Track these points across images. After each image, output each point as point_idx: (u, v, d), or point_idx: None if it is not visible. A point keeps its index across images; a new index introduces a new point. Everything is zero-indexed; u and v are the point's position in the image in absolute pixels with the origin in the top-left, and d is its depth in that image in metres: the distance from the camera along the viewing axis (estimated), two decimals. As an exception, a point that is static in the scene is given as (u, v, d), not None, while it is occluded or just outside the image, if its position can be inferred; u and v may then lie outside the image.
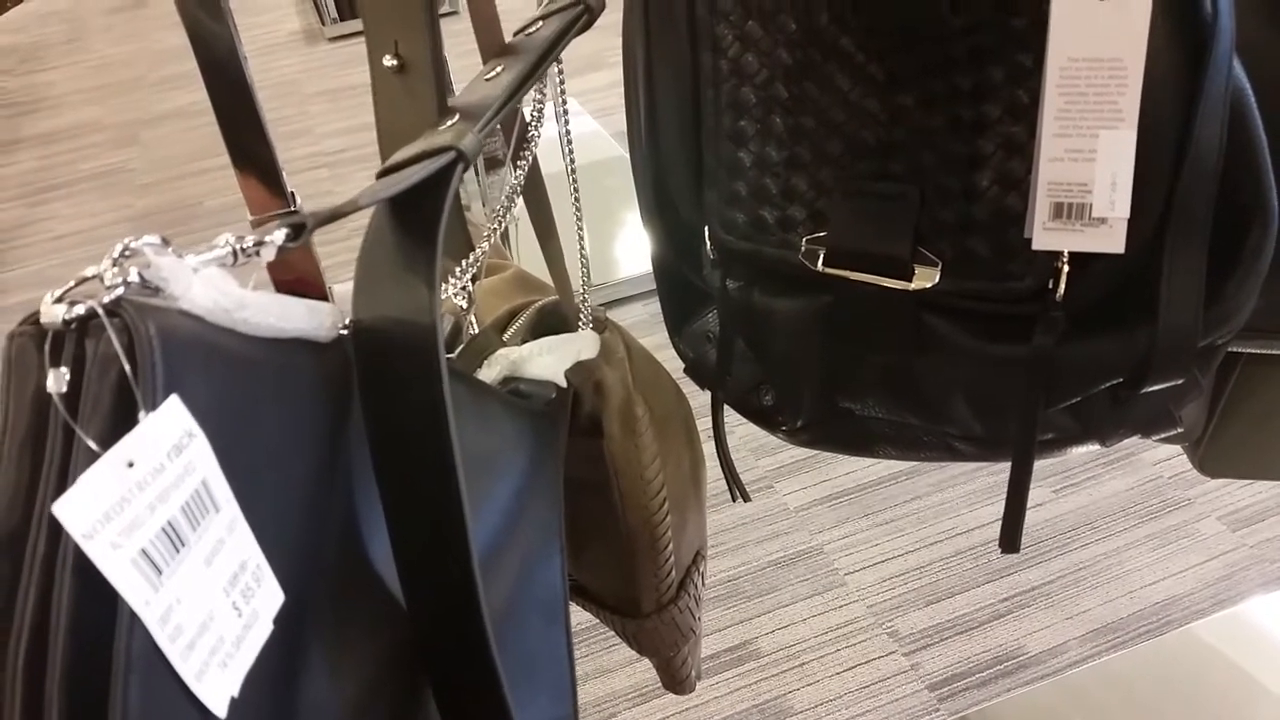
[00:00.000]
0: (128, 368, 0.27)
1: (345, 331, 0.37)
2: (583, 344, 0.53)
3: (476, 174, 1.97)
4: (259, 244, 0.33)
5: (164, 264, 0.30)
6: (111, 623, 0.27)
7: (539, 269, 0.65)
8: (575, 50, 0.54)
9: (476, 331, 0.53)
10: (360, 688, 0.37)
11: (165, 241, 0.31)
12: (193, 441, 0.29)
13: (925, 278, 0.49)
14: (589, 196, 1.83)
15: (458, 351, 0.51)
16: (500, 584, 0.45)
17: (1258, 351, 0.60)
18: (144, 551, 0.27)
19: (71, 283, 0.29)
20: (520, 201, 0.60)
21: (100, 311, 0.27)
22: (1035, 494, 1.46)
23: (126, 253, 0.29)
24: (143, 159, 2.77)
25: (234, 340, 0.32)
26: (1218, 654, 1.25)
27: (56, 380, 0.27)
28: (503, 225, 0.56)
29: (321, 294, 0.76)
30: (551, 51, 0.51)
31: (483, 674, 0.38)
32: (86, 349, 0.28)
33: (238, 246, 0.32)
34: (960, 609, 1.35)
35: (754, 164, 0.52)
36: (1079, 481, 1.49)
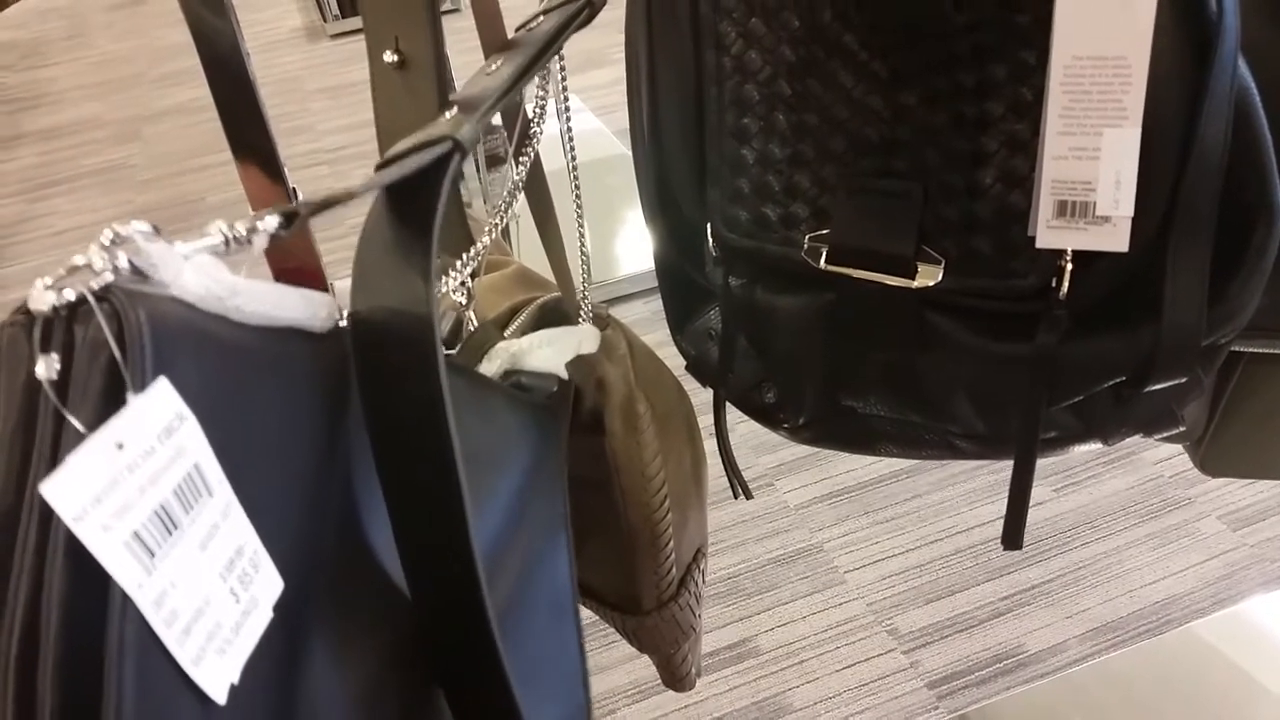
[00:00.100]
0: (116, 351, 0.27)
1: (343, 323, 0.37)
2: (583, 337, 0.53)
3: (478, 171, 1.97)
4: (251, 231, 0.33)
5: (153, 250, 0.30)
6: (104, 608, 0.27)
7: (539, 265, 0.65)
8: (577, 47, 0.54)
9: (476, 327, 0.53)
10: (367, 679, 0.37)
11: (155, 229, 0.31)
12: (184, 424, 0.29)
13: (928, 276, 0.49)
14: (590, 194, 1.83)
15: (458, 346, 0.51)
16: (506, 578, 0.45)
17: (1260, 351, 0.60)
18: (136, 534, 0.27)
19: (62, 271, 0.29)
20: (522, 198, 0.60)
21: (89, 296, 0.28)
22: (1036, 492, 1.46)
23: (116, 239, 0.29)
24: (144, 155, 2.77)
25: (226, 327, 0.32)
26: (1218, 653, 1.25)
27: (46, 366, 0.27)
28: (504, 221, 0.56)
29: (321, 286, 0.76)
30: (552, 44, 0.51)
31: (489, 670, 0.38)
32: (76, 335, 0.28)
33: (230, 234, 0.32)
34: (960, 607, 1.35)
35: (757, 161, 0.52)
36: (1079, 480, 1.49)
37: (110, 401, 0.27)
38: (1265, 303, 0.49)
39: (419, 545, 0.37)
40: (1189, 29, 0.44)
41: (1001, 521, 1.43)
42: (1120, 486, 1.48)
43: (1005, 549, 0.53)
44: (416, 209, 0.38)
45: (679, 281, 0.60)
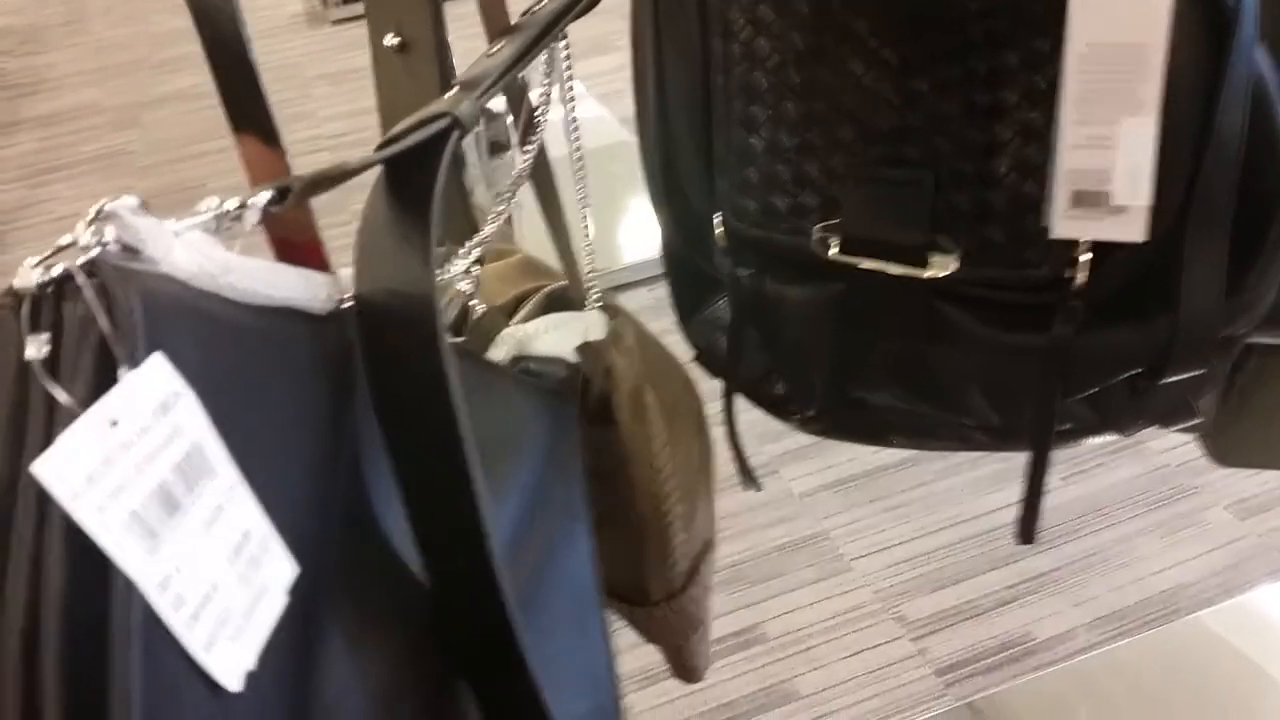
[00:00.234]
0: (106, 327, 0.26)
1: (345, 305, 0.36)
2: (589, 322, 0.53)
3: (480, 158, 1.96)
4: (243, 206, 0.33)
5: (141, 226, 0.29)
6: (107, 594, 0.26)
7: (542, 254, 0.65)
8: (581, 33, 0.53)
9: (482, 314, 0.52)
10: (386, 670, 0.36)
11: (143, 203, 0.30)
12: (180, 401, 0.28)
13: (940, 266, 0.48)
14: (592, 181, 1.82)
15: (465, 333, 0.51)
16: (525, 567, 0.44)
17: (1273, 342, 0.59)
18: (135, 514, 0.26)
19: (49, 251, 0.28)
20: (526, 186, 0.60)
21: (76, 272, 0.27)
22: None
23: (102, 215, 0.29)
24: (143, 141, 2.76)
25: (220, 305, 0.31)
26: (1225, 643, 1.25)
27: (35, 346, 0.27)
28: (509, 209, 0.55)
29: (324, 267, 0.75)
30: (554, 26, 0.50)
31: (511, 660, 0.37)
32: (65, 313, 0.27)
33: (221, 210, 0.32)
34: (967, 595, 1.34)
35: (765, 150, 0.51)
36: (1087, 469, 1.48)
37: (103, 379, 0.26)
38: (1281, 295, 0.48)
39: (432, 529, 0.36)
40: (1206, 16, 0.44)
41: (1009, 509, 1.43)
42: (1128, 475, 1.47)
43: (1019, 543, 0.52)
44: (415, 187, 0.37)
45: (687, 271, 0.60)
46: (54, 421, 0.26)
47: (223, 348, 0.31)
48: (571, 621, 0.47)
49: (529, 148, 0.54)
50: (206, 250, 0.31)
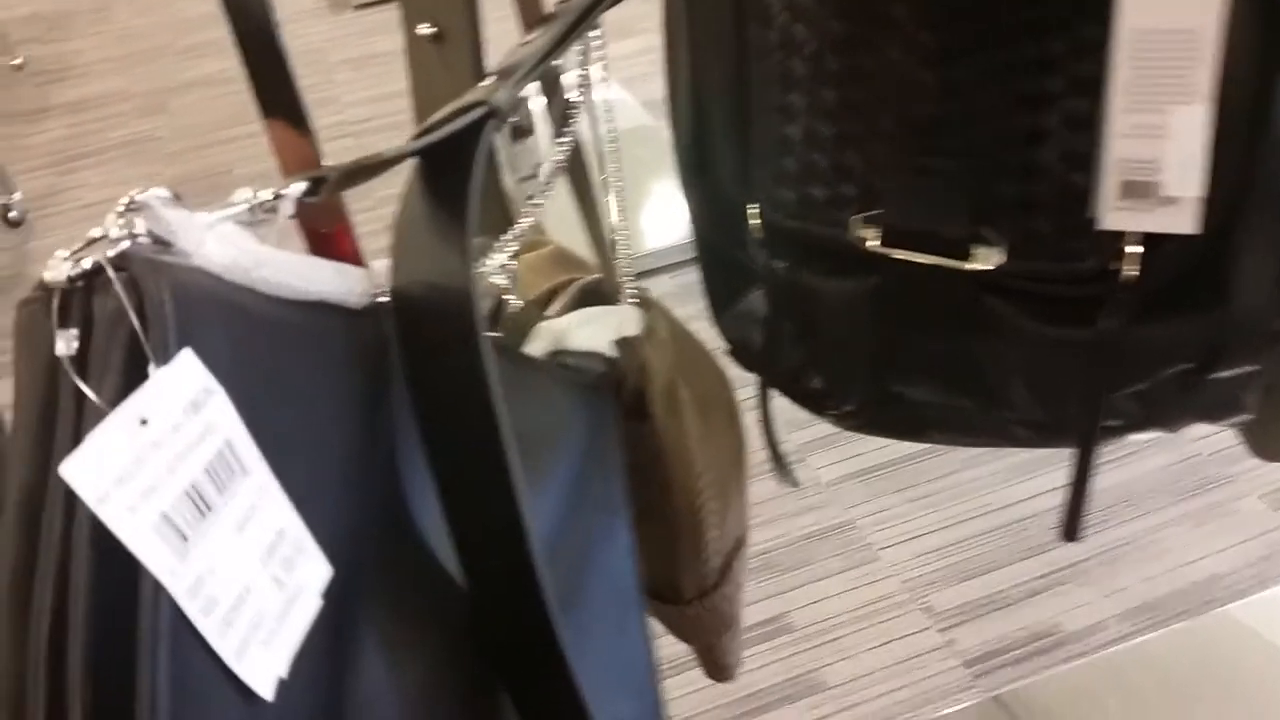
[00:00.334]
0: (135, 322, 0.26)
1: (381, 299, 0.36)
2: (624, 317, 0.52)
3: (503, 143, 1.95)
4: (278, 197, 0.32)
5: (172, 217, 0.28)
6: (135, 598, 0.25)
7: (567, 242, 0.64)
8: (604, 17, 0.52)
9: (518, 308, 0.52)
10: (422, 673, 0.35)
11: (175, 195, 0.29)
12: (212, 398, 0.27)
13: (984, 258, 0.47)
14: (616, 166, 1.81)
15: (501, 327, 0.50)
16: (564, 565, 0.43)
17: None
18: (165, 516, 0.26)
19: (79, 244, 0.27)
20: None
21: (106, 265, 0.26)
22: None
23: (133, 206, 0.28)
24: (170, 127, 2.77)
25: (254, 299, 0.31)
26: (1256, 636, 1.23)
27: (65, 342, 0.26)
28: (544, 201, 0.54)
29: (353, 253, 0.75)
30: (591, 11, 0.49)
31: (551, 663, 0.36)
32: (95, 308, 0.26)
33: (256, 201, 0.31)
34: (996, 585, 1.33)
35: (803, 140, 0.50)
36: (1118, 457, 1.46)
37: (133, 376, 0.26)
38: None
39: (470, 526, 0.35)
40: (1261, 1, 0.42)
41: (1038, 499, 1.42)
42: (1159, 464, 1.45)
43: (1065, 540, 0.51)
44: (452, 178, 0.36)
45: (720, 263, 0.59)
46: (83, 420, 0.25)
47: (256, 343, 0.30)
48: (611, 620, 0.46)
49: (565, 136, 0.53)
50: (240, 243, 0.30)
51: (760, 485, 1.49)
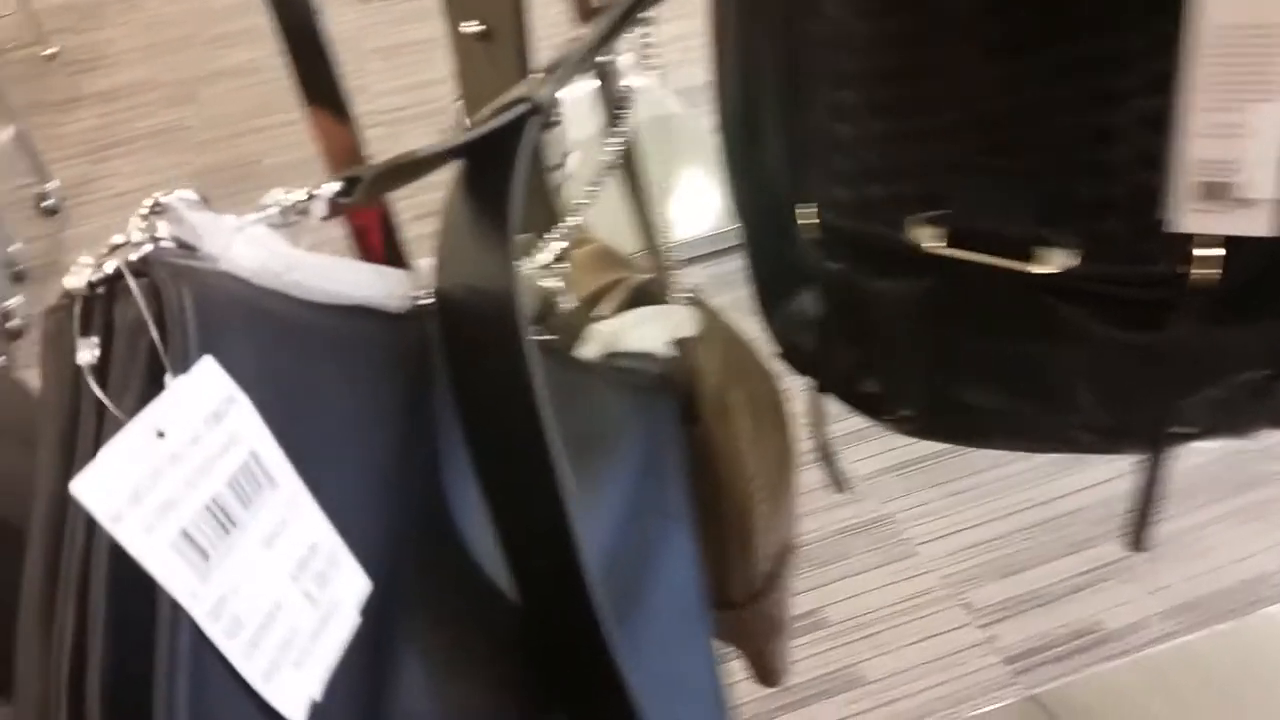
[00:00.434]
0: (153, 330, 0.25)
1: (423, 301, 0.35)
2: (679, 317, 0.51)
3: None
4: (310, 198, 0.31)
5: (197, 220, 0.27)
6: (154, 619, 0.24)
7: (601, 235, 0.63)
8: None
9: (568, 309, 0.51)
10: (469, 687, 0.34)
11: (202, 197, 0.28)
12: (234, 408, 0.26)
13: (1048, 260, 0.46)
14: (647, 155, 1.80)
15: (552, 328, 0.49)
16: (623, 574, 0.42)
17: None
18: (185, 534, 0.24)
19: (103, 248, 0.26)
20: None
21: (125, 272, 0.25)
22: (1116, 465, 1.42)
23: (157, 209, 0.27)
24: (200, 116, 2.78)
25: (285, 304, 0.30)
26: (1304, 635, 1.21)
27: (86, 351, 0.25)
28: (594, 199, 0.53)
29: (389, 239, 0.74)
30: (638, 6, 0.48)
31: (608, 684, 0.34)
32: (115, 315, 0.25)
33: (286, 204, 0.30)
34: (1037, 581, 1.32)
35: (861, 137, 0.49)
36: (1161, 452, 1.44)
37: (154, 386, 0.25)
38: None
39: (516, 531, 0.34)
40: None
41: (1078, 494, 1.40)
42: (1204, 460, 1.43)
43: (1132, 551, 0.50)
44: (493, 176, 0.35)
45: (769, 263, 0.57)
46: (103, 432, 0.24)
47: (286, 349, 0.29)
48: (673, 629, 0.44)
49: (617, 131, 0.52)
50: (270, 245, 0.29)
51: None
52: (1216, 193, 0.44)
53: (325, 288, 0.31)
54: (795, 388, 0.60)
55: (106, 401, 0.24)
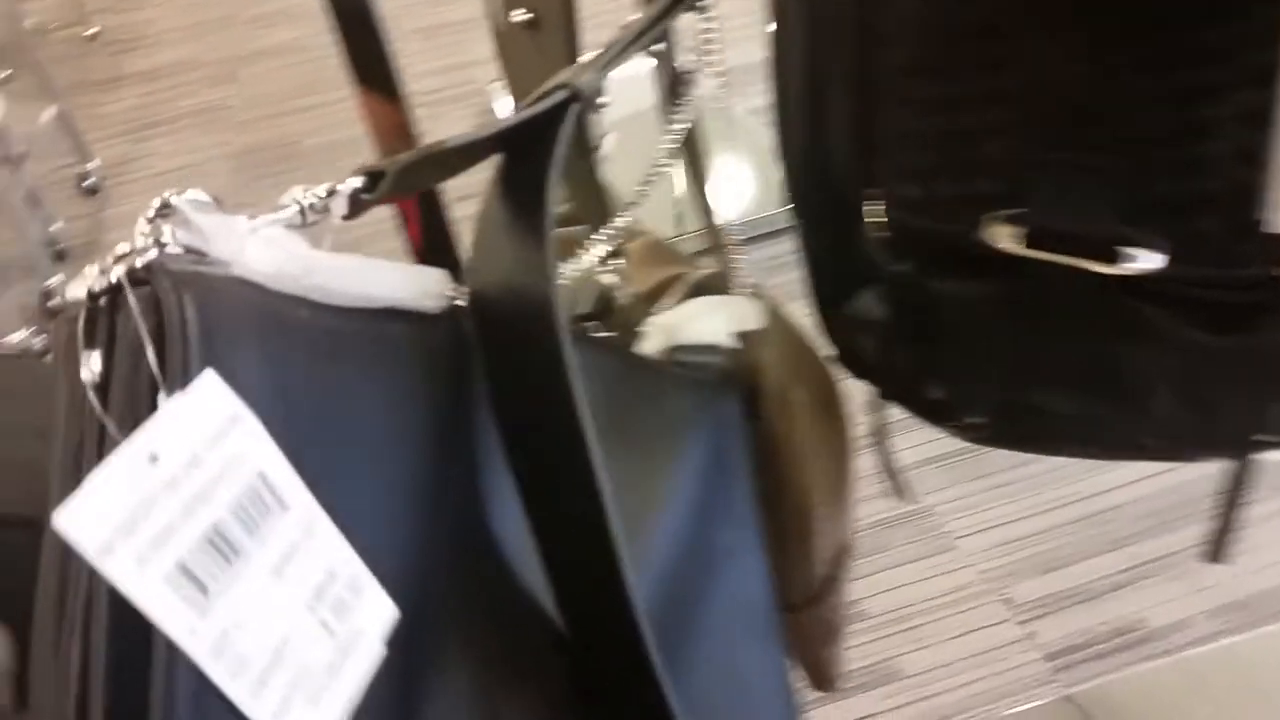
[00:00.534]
0: (148, 345, 0.23)
1: (459, 301, 0.33)
2: (742, 308, 0.49)
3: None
4: (330, 195, 0.29)
5: (204, 223, 0.25)
6: (149, 659, 0.22)
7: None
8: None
9: (626, 303, 0.50)
10: (507, 716, 0.32)
11: (214, 198, 0.27)
12: (238, 426, 0.24)
13: (1138, 261, 0.44)
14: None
15: (610, 323, 0.48)
16: (687, 584, 0.40)
17: None
18: (182, 566, 0.23)
19: (110, 255, 0.25)
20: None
21: (124, 281, 0.24)
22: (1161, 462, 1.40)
23: (163, 211, 0.25)
24: (240, 96, 2.78)
25: (304, 310, 0.28)
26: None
27: (89, 365, 0.24)
28: (652, 189, 0.52)
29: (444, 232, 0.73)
30: None
31: (653, 711, 0.32)
32: (119, 328, 0.24)
33: (306, 203, 0.28)
34: (1078, 578, 1.30)
35: (936, 132, 0.47)
36: (1207, 448, 1.42)
37: (156, 405, 0.23)
38: None
39: (559, 554, 0.32)
40: None
41: (1123, 489, 1.37)
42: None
43: (1211, 562, 0.48)
44: (530, 169, 0.33)
45: (829, 261, 0.56)
46: (104, 453, 0.23)
47: (304, 358, 0.27)
48: (740, 649, 0.43)
49: (680, 112, 0.51)
50: (288, 247, 0.28)
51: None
52: (1315, 192, 0.42)
53: (350, 290, 0.29)
54: (853, 389, 0.59)
55: (107, 422, 0.23)
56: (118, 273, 0.24)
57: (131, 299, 0.23)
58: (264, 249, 0.27)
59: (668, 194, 0.56)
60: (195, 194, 0.26)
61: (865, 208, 0.51)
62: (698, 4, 0.52)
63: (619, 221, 0.50)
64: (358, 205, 0.30)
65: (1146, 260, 0.44)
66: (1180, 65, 0.42)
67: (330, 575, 0.26)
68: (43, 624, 0.23)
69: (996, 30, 0.44)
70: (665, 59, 0.53)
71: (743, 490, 0.46)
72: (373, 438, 0.29)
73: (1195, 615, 1.24)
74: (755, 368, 0.49)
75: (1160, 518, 1.34)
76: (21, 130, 2.24)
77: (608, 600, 0.31)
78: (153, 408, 0.23)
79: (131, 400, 0.23)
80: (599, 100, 0.38)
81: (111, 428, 0.23)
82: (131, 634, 0.22)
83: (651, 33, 0.47)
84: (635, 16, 0.47)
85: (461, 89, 2.41)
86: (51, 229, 2.28)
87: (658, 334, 0.47)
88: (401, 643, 0.28)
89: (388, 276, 0.31)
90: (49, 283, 2.11)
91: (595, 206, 0.57)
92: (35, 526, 0.23)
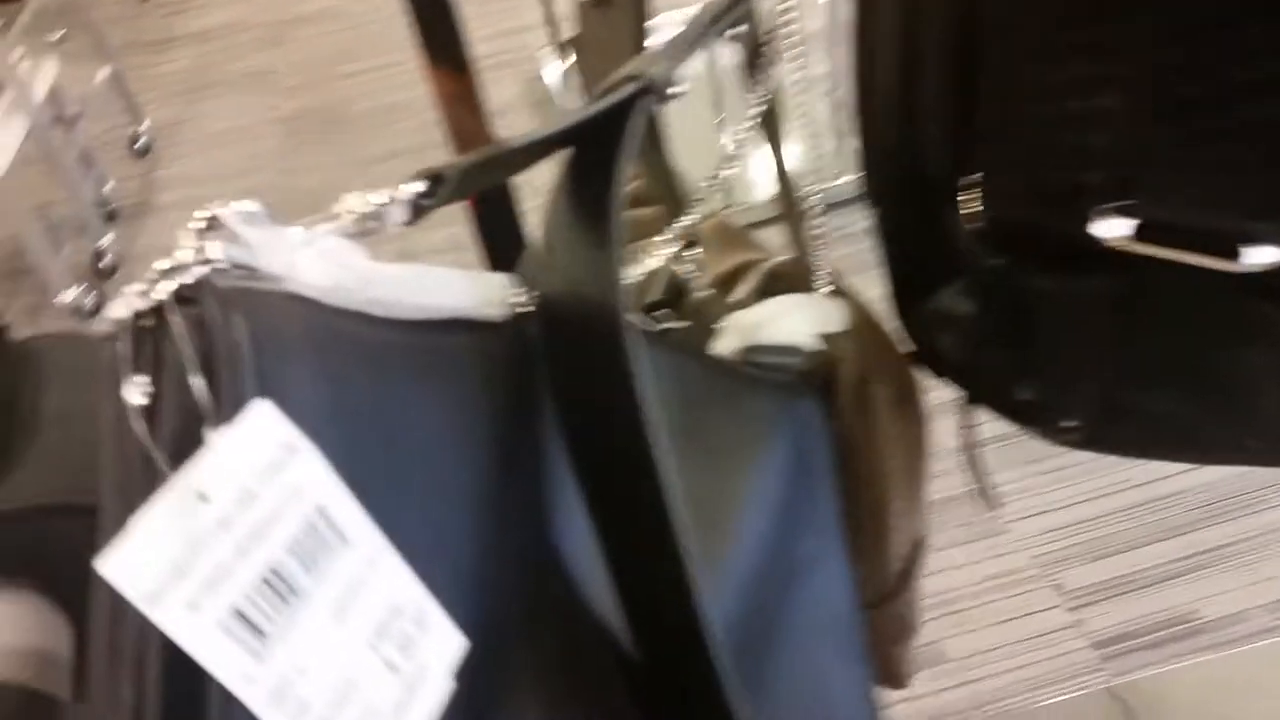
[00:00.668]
0: (193, 372, 0.21)
1: (523, 307, 0.32)
2: (829, 308, 0.48)
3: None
4: (389, 203, 0.27)
5: (253, 237, 0.24)
6: (204, 709, 0.21)
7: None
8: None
9: (702, 298, 0.48)
10: None
11: (264, 210, 0.25)
12: (294, 458, 0.23)
13: (1257, 258, 0.42)
14: (731, 105, 1.75)
15: (685, 316, 0.47)
16: (765, 604, 0.39)
17: None
18: (237, 611, 0.21)
19: (155, 270, 0.23)
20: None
21: (168, 303, 0.22)
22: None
23: (210, 224, 0.24)
24: (288, 61, 2.79)
25: (362, 325, 0.26)
26: None
27: (133, 391, 0.22)
28: (730, 172, 0.51)
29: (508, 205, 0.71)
30: None
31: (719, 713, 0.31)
32: (164, 351, 0.22)
33: (362, 210, 0.26)
34: (1131, 566, 1.28)
35: (1043, 118, 0.44)
36: (1268, 437, 1.39)
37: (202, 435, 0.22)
38: None
39: (628, 571, 0.31)
40: None
41: (1180, 476, 1.35)
42: (1314, 446, 1.37)
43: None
44: (598, 166, 0.31)
45: (911, 252, 0.53)
46: (153, 490, 0.21)
47: (364, 378, 0.26)
48: (822, 664, 0.41)
49: (761, 84, 0.49)
50: (344, 259, 0.26)
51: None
52: None
53: (410, 302, 0.28)
54: (933, 383, 0.57)
55: (155, 455, 0.21)
56: (162, 292, 0.22)
57: (176, 323, 0.22)
58: (318, 262, 0.25)
59: (713, 167, 0.54)
60: (245, 205, 0.24)
61: (963, 199, 0.48)
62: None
63: (694, 213, 0.49)
64: (418, 211, 0.28)
65: (1270, 257, 0.41)
66: None
67: (394, 610, 0.25)
68: (97, 659, 0.22)
69: (1110, 9, 0.42)
70: (748, 30, 0.51)
71: (826, 495, 0.44)
72: (435, 457, 0.28)
73: (1252, 609, 1.22)
74: (832, 360, 0.47)
75: (1219, 507, 1.32)
76: (75, 91, 2.26)
77: (678, 618, 0.30)
78: (203, 439, 0.22)
79: (181, 431, 0.22)
80: (672, 90, 0.35)
81: (160, 461, 0.21)
82: (186, 678, 0.21)
83: (732, 14, 0.45)
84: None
85: (513, 54, 2.40)
86: (104, 189, 2.30)
87: (735, 332, 0.45)
88: (469, 673, 0.27)
89: (450, 284, 0.30)
90: (100, 243, 2.13)
91: (666, 190, 0.55)
92: (90, 514, 0.22)
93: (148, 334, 0.22)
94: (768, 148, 0.53)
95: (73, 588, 0.46)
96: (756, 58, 0.50)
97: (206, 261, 0.23)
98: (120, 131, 2.50)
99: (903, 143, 0.50)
